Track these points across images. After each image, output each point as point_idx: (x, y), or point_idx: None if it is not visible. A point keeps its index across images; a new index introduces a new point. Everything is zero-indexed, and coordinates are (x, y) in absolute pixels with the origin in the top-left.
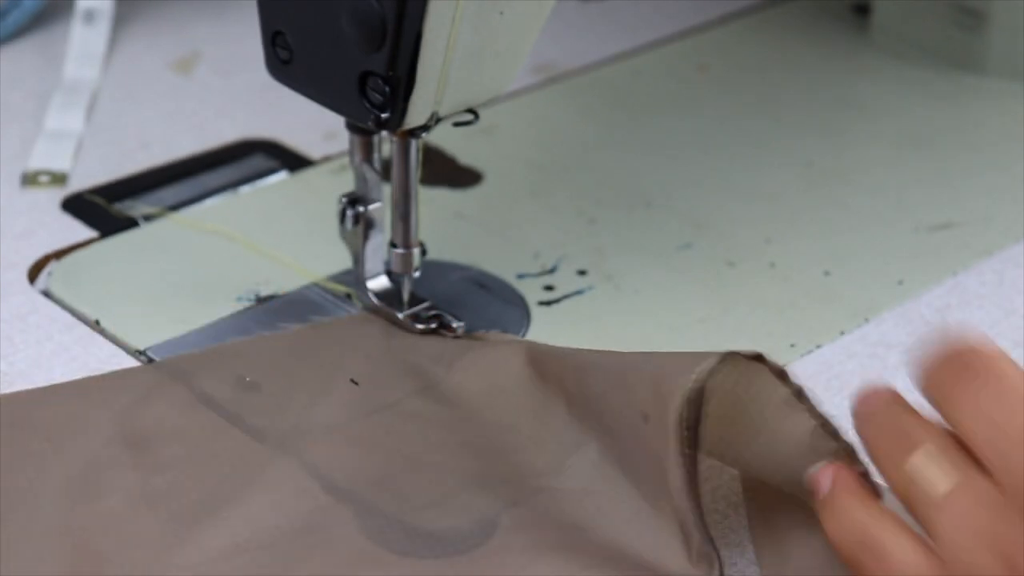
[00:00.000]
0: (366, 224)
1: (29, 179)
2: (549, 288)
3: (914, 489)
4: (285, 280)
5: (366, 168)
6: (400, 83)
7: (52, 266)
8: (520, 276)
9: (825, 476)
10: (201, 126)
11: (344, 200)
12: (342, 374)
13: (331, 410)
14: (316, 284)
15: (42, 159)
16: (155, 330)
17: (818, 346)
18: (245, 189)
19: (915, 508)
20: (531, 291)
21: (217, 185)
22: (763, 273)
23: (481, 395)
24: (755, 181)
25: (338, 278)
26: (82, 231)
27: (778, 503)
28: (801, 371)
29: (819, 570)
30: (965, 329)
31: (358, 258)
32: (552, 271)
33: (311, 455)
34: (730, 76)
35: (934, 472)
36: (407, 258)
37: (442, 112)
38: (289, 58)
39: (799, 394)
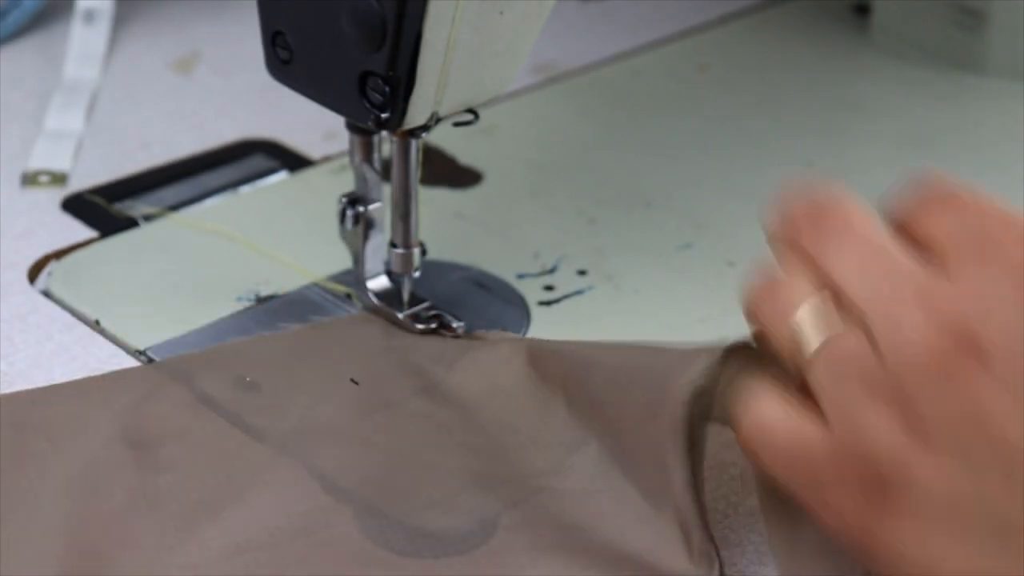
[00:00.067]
0: (366, 224)
1: (29, 179)
2: (549, 288)
3: (795, 352)
4: (285, 280)
5: (366, 168)
6: (400, 83)
7: (52, 266)
8: (520, 276)
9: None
10: (201, 126)
11: (344, 200)
12: (342, 374)
13: (331, 410)
14: (316, 284)
15: (42, 159)
16: (155, 330)
17: None
18: (245, 189)
19: (799, 372)
20: (531, 291)
21: (217, 185)
22: None
23: (481, 395)
24: (755, 181)
25: (338, 278)
26: (82, 231)
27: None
28: None
29: (831, 562)
30: (819, 184)
31: (358, 258)
32: (552, 271)
33: (311, 455)
34: (730, 76)
35: (809, 331)
36: (407, 258)
37: (442, 112)
38: (289, 58)
39: None
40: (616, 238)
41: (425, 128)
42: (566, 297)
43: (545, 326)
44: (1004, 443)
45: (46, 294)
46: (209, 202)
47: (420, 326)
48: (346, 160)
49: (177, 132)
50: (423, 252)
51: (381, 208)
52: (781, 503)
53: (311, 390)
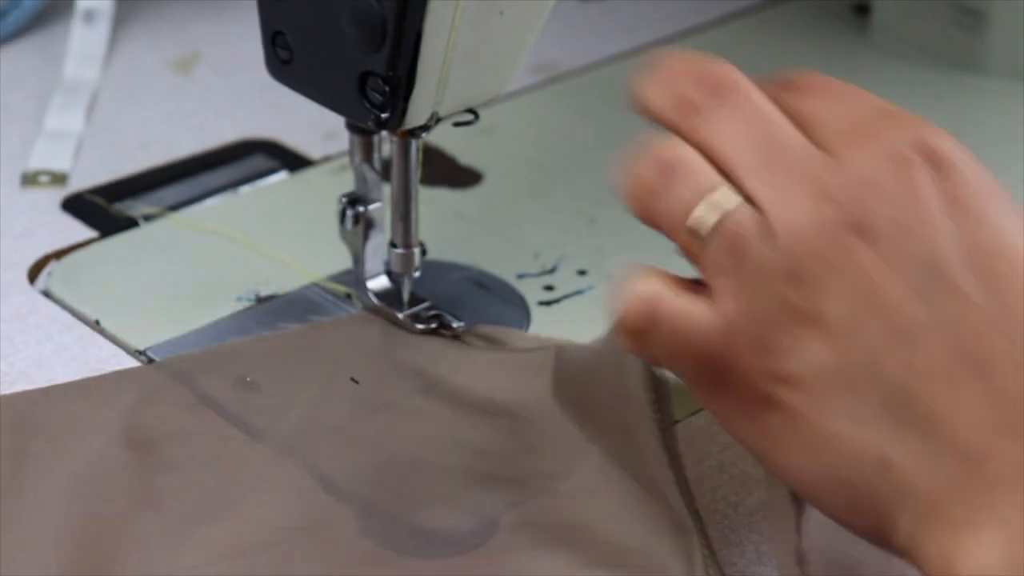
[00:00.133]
0: (366, 224)
1: (29, 179)
2: (549, 288)
3: (691, 241)
4: (285, 280)
5: (366, 168)
6: (400, 83)
7: (52, 266)
8: (520, 276)
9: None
10: (201, 126)
11: (344, 200)
12: (342, 374)
13: (332, 410)
14: (316, 284)
15: (42, 159)
16: (155, 330)
17: None
18: (245, 189)
19: (695, 258)
20: (531, 291)
21: (217, 185)
22: None
23: (483, 395)
24: None
25: (338, 278)
26: (82, 231)
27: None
28: None
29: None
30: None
31: (358, 258)
32: (552, 271)
33: (312, 455)
34: None
35: (702, 213)
36: (407, 258)
37: (442, 112)
38: (289, 58)
39: None
40: (616, 238)
41: (425, 128)
42: (566, 297)
43: (545, 326)
44: (895, 315)
45: (46, 294)
46: (209, 202)
47: (420, 326)
48: (346, 160)
49: (177, 132)
50: (423, 252)
51: (381, 208)
52: (782, 501)
53: (311, 390)
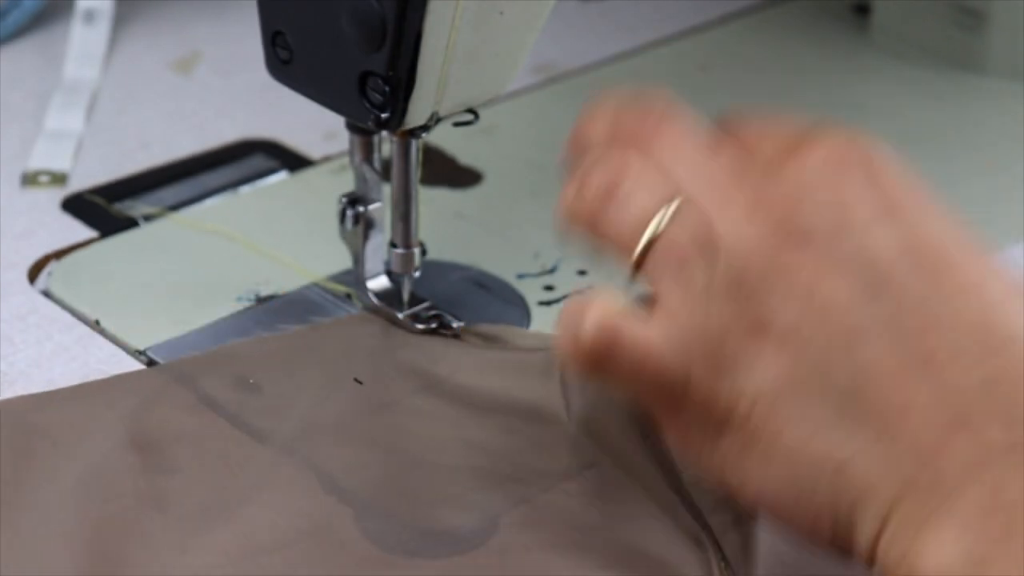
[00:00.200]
0: (366, 224)
1: (29, 179)
2: (549, 288)
3: (638, 261)
4: (285, 280)
5: (366, 168)
6: (400, 83)
7: (52, 266)
8: (520, 276)
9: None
10: (201, 126)
11: (344, 200)
12: (343, 374)
13: (333, 410)
14: (316, 284)
15: (42, 159)
16: (155, 330)
17: None
18: (245, 189)
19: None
20: (531, 291)
21: (217, 185)
22: None
23: (485, 394)
24: None
25: (338, 278)
26: (82, 231)
27: None
28: None
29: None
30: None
31: (358, 258)
32: (552, 271)
33: (314, 455)
34: (730, 76)
35: (645, 233)
36: (407, 258)
37: (442, 112)
38: (289, 58)
39: None
40: None
41: (425, 128)
42: (566, 297)
43: (545, 326)
44: (840, 318)
45: (46, 294)
46: (209, 202)
47: (420, 326)
48: (346, 160)
49: (177, 132)
50: (423, 252)
51: (381, 208)
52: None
53: (312, 390)
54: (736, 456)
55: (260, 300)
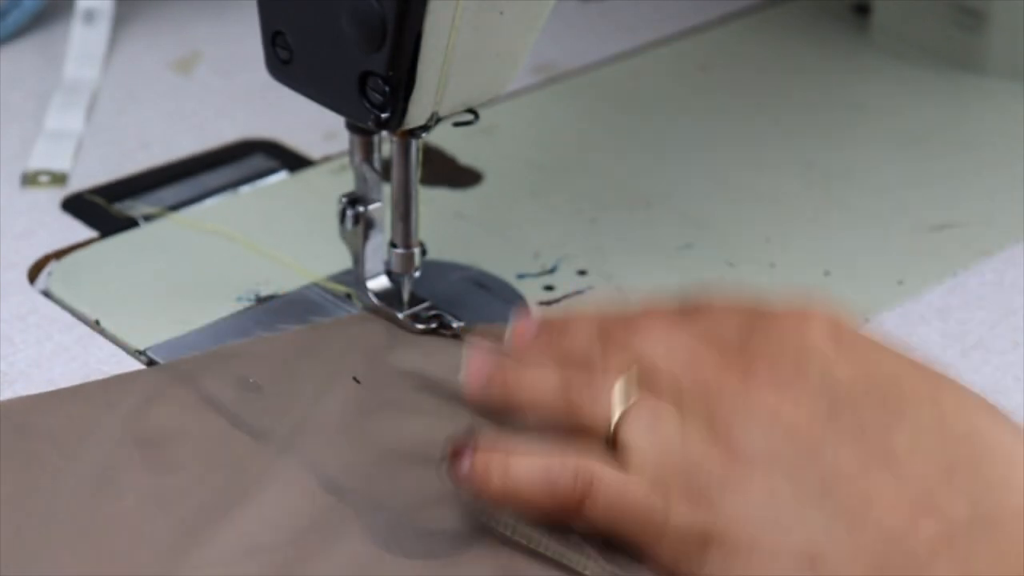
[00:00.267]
0: (366, 224)
1: (29, 179)
2: (549, 288)
3: (588, 428)
4: (285, 280)
5: (366, 168)
6: (400, 83)
7: (52, 266)
8: (520, 276)
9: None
10: (201, 126)
11: (344, 200)
12: (343, 374)
13: (333, 409)
14: (316, 284)
15: (42, 159)
16: (155, 330)
17: None
18: (245, 189)
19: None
20: (531, 291)
21: (217, 185)
22: (763, 273)
23: None
24: (755, 181)
25: (338, 278)
26: (82, 231)
27: None
28: None
29: None
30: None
31: (358, 258)
32: (552, 271)
33: (315, 455)
34: (730, 76)
35: (601, 406)
36: (407, 258)
37: (442, 112)
38: (289, 58)
39: None
40: (616, 238)
41: (425, 128)
42: (566, 297)
43: None
44: (803, 435)
45: (46, 294)
46: (209, 202)
47: (420, 326)
48: (346, 160)
49: (177, 132)
50: (423, 252)
51: (381, 208)
52: None
53: (312, 390)
54: (720, 565)
55: (260, 300)
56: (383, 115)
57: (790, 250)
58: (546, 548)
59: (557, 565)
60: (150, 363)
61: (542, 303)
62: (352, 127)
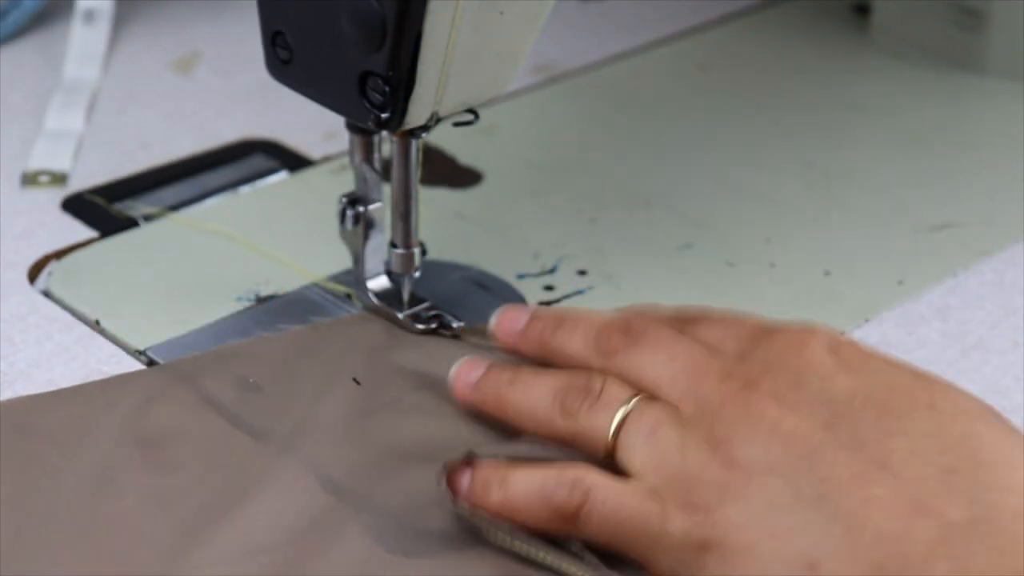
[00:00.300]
0: (366, 224)
1: (29, 179)
2: (549, 288)
3: (585, 438)
4: (285, 280)
5: (366, 168)
6: (400, 83)
7: (52, 266)
8: (520, 276)
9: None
10: (201, 126)
11: (344, 200)
12: (343, 373)
13: (333, 410)
14: (316, 284)
15: (42, 159)
16: (155, 330)
17: None
18: (245, 189)
19: (609, 452)
20: (531, 291)
21: (217, 185)
22: (763, 273)
23: None
24: (755, 181)
25: (338, 278)
26: (82, 231)
27: None
28: None
29: None
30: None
31: (358, 258)
32: (552, 271)
33: (315, 455)
34: (730, 76)
35: (600, 416)
36: (407, 258)
37: (442, 112)
38: (289, 58)
39: None
40: (616, 238)
41: (425, 128)
42: (566, 297)
43: None
44: (800, 444)
45: (46, 294)
46: (209, 202)
47: (420, 326)
48: (346, 160)
49: (177, 132)
50: (423, 252)
51: (381, 208)
52: None
53: (313, 390)
54: (719, 571)
55: (260, 300)
56: (383, 115)
57: (790, 250)
58: (544, 558)
59: (557, 572)
60: (150, 363)
61: (542, 303)
62: (352, 127)
